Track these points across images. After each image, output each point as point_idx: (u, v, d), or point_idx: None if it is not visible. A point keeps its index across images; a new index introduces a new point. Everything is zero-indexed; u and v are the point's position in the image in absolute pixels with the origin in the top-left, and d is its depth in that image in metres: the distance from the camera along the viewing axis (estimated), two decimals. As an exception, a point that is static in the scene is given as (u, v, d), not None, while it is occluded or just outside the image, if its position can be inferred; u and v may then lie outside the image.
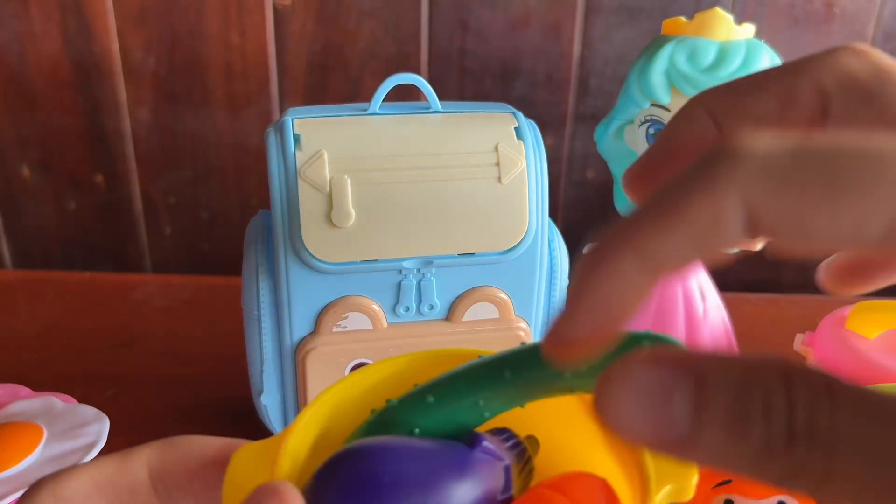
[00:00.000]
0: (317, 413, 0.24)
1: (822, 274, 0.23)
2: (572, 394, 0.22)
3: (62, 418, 0.44)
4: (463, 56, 0.64)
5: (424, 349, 0.42)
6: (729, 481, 0.33)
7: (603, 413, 0.15)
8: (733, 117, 0.19)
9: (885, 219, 0.13)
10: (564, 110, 0.66)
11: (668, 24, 0.42)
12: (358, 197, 0.38)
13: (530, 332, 0.43)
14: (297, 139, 0.38)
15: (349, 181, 0.38)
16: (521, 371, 0.21)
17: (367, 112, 0.41)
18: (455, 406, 0.22)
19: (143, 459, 0.22)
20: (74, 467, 0.21)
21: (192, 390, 0.52)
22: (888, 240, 0.14)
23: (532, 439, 0.23)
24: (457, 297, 0.41)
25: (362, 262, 0.39)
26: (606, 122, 0.44)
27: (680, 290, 0.46)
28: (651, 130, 0.42)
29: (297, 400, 0.42)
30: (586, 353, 0.16)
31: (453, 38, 0.64)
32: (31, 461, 0.41)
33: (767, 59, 0.40)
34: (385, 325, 0.41)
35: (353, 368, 0.41)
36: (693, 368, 0.14)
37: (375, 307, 0.40)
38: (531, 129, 0.41)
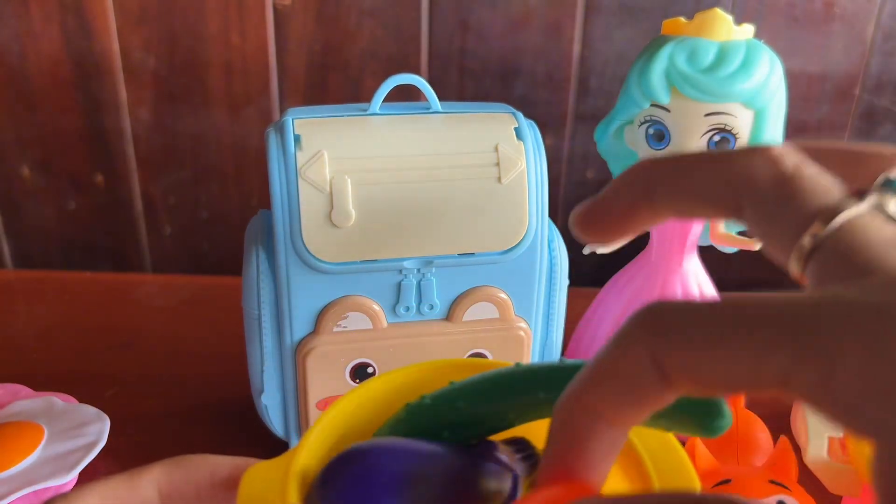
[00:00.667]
0: (326, 428, 0.24)
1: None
2: None
3: (63, 418, 0.44)
4: (463, 56, 0.64)
5: (424, 349, 0.42)
6: (728, 481, 0.33)
7: None
8: (665, 194, 0.20)
9: (764, 369, 0.14)
10: (564, 110, 0.66)
11: (667, 25, 0.42)
12: (358, 197, 0.38)
13: (530, 331, 0.43)
14: (297, 139, 0.38)
15: (349, 181, 0.38)
16: (555, 393, 0.21)
17: (368, 112, 0.41)
18: (484, 414, 0.22)
19: (152, 479, 0.22)
20: (85, 486, 0.21)
21: (192, 390, 0.52)
22: (782, 385, 0.14)
23: None
24: (457, 297, 0.41)
25: (362, 262, 0.39)
26: (606, 122, 0.44)
27: (679, 290, 0.46)
28: (651, 130, 0.42)
29: (297, 400, 0.42)
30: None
31: (453, 38, 0.64)
32: (32, 461, 0.41)
33: (767, 59, 0.40)
34: (385, 324, 0.41)
35: (354, 368, 0.41)
36: None
37: (375, 307, 0.40)
38: (531, 129, 0.41)
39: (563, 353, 0.50)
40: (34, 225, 0.71)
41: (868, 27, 0.63)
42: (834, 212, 0.17)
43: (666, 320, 0.15)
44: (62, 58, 0.64)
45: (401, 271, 0.40)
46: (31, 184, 0.69)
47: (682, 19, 0.41)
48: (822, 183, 0.17)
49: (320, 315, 0.40)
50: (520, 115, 0.41)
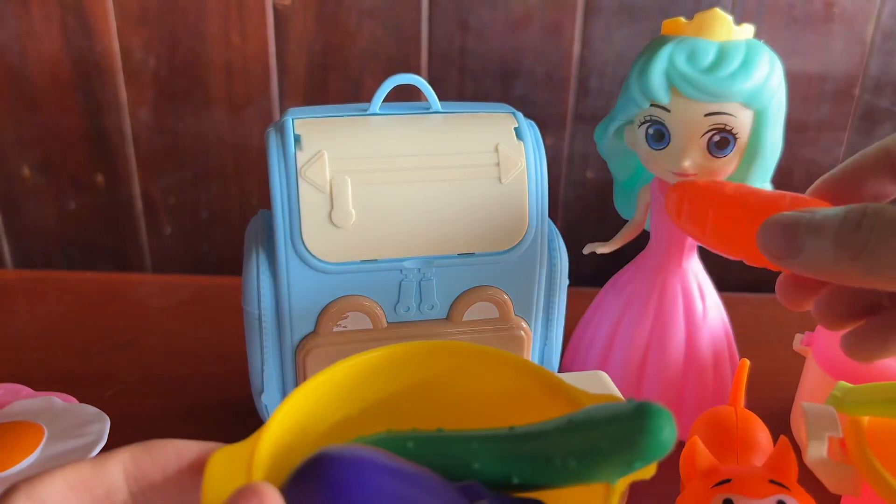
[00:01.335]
0: (291, 412, 0.24)
1: (778, 293, 0.30)
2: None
3: (63, 418, 0.44)
4: (463, 56, 0.64)
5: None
6: (728, 480, 0.33)
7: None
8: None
9: None
10: (564, 110, 0.66)
11: (667, 25, 0.42)
12: (358, 197, 0.38)
13: (530, 331, 0.43)
14: (297, 139, 0.38)
15: (350, 181, 0.38)
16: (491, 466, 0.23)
17: (368, 112, 0.41)
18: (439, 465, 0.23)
19: (119, 462, 0.22)
20: (50, 470, 0.21)
21: (192, 390, 0.52)
22: None
23: None
24: (457, 297, 0.41)
25: (363, 261, 0.39)
26: (606, 122, 0.44)
27: (679, 290, 0.46)
28: (651, 130, 0.42)
29: (297, 400, 0.42)
30: None
31: (453, 38, 0.64)
32: (32, 461, 0.41)
33: (767, 59, 0.40)
34: (385, 324, 0.41)
35: (354, 368, 0.41)
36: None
37: (376, 307, 0.40)
38: (531, 129, 0.41)
39: (563, 353, 0.50)
40: (34, 225, 0.71)
41: (868, 27, 0.63)
42: None
43: None
44: (62, 58, 0.64)
45: (401, 271, 0.40)
46: (31, 184, 0.69)
47: (682, 19, 0.41)
48: None
49: (320, 315, 0.40)
50: (520, 115, 0.42)
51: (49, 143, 0.68)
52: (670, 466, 0.39)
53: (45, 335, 0.59)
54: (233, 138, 0.67)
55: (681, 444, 0.41)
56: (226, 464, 0.22)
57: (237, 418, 0.48)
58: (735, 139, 0.41)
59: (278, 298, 0.40)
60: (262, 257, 0.40)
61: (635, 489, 0.41)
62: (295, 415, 0.24)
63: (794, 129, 0.66)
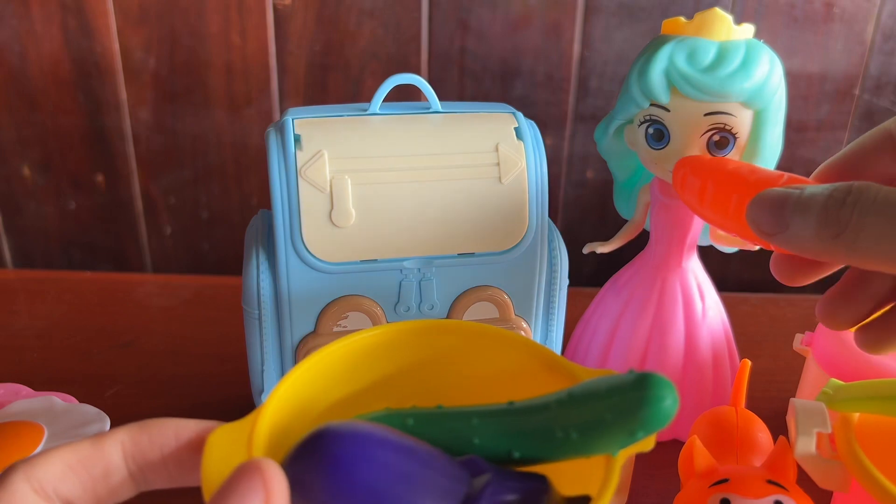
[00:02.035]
0: (290, 390, 0.24)
1: (772, 268, 0.31)
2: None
3: (63, 418, 0.44)
4: (463, 56, 0.64)
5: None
6: (726, 480, 0.33)
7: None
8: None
9: None
10: (564, 110, 0.66)
11: (667, 24, 0.42)
12: (358, 197, 0.38)
13: (530, 331, 0.43)
14: (297, 139, 0.38)
15: (349, 181, 0.38)
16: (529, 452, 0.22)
17: (368, 112, 0.41)
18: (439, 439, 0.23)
19: (117, 441, 0.22)
20: (48, 450, 0.21)
21: (192, 390, 0.52)
22: None
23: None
24: (457, 297, 0.41)
25: (363, 261, 0.39)
26: (606, 122, 0.44)
27: (679, 290, 0.46)
28: (650, 130, 0.42)
29: (297, 399, 0.42)
30: None
31: (453, 38, 0.64)
32: (32, 461, 0.41)
33: (767, 58, 0.40)
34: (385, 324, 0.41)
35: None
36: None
37: (376, 307, 0.40)
38: (531, 129, 0.41)
39: (562, 353, 0.50)
40: (34, 225, 0.71)
41: (868, 27, 0.63)
42: None
43: None
44: (62, 58, 0.64)
45: (401, 271, 0.40)
46: (32, 184, 0.69)
47: (682, 19, 0.41)
48: None
49: (320, 315, 0.40)
50: (520, 115, 0.42)
51: (49, 143, 0.68)
52: (670, 466, 0.39)
53: (45, 335, 0.59)
54: (233, 138, 0.67)
55: (681, 445, 0.41)
56: (225, 442, 0.22)
57: (237, 418, 0.48)
58: (735, 139, 0.41)
59: (278, 298, 0.40)
60: (262, 257, 0.40)
61: (635, 489, 0.41)
62: (294, 394, 0.24)
63: (794, 129, 0.66)
